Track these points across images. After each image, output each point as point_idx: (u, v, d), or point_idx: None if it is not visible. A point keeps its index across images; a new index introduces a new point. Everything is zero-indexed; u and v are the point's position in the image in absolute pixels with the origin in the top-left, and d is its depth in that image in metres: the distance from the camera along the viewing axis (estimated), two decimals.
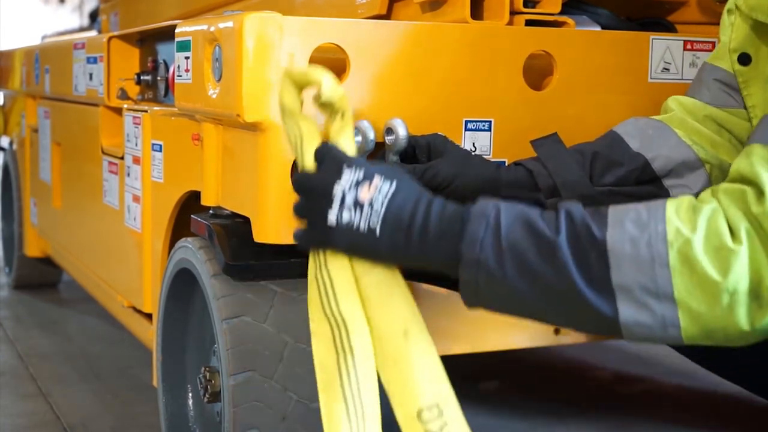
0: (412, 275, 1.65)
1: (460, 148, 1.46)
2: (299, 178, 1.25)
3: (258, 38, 1.37)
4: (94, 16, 5.57)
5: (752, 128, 1.36)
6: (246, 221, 1.47)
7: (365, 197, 1.18)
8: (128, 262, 2.11)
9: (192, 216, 1.61)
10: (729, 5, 1.47)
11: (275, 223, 1.43)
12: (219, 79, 1.46)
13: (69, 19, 12.78)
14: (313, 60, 1.41)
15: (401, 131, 1.39)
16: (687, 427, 2.15)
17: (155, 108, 1.96)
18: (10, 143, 3.55)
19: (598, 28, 1.70)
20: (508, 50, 1.54)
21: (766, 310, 1.08)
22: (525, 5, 1.58)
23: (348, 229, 1.19)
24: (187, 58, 1.58)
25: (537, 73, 1.59)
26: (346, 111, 1.23)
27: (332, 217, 1.19)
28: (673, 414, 2.23)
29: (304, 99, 1.25)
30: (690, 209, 1.12)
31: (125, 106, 2.13)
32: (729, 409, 2.28)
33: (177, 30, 1.63)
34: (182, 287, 1.71)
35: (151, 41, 2.17)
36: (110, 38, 2.23)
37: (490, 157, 1.54)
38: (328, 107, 1.23)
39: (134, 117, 2.03)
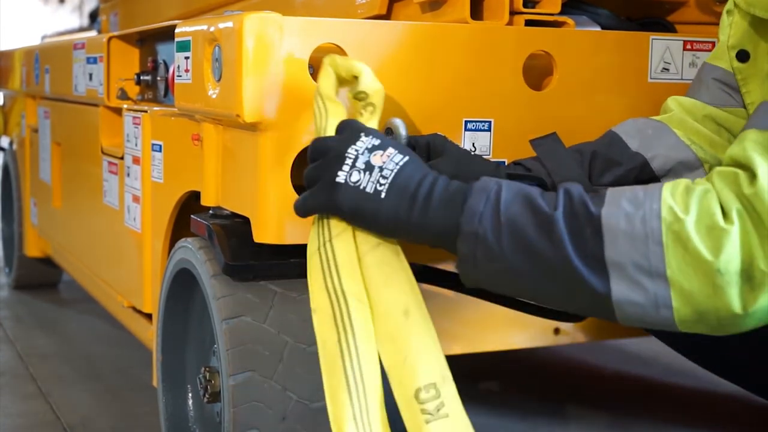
0: (417, 276, 1.65)
1: (460, 148, 1.46)
2: (316, 142, 1.28)
3: (258, 38, 1.37)
4: (93, 16, 5.57)
5: None
6: (246, 221, 1.47)
7: (377, 162, 1.22)
8: (128, 262, 2.11)
9: (192, 216, 1.62)
10: (728, 6, 1.47)
11: (275, 223, 1.43)
12: (219, 79, 1.46)
13: (69, 19, 12.79)
14: (313, 60, 1.41)
15: (401, 131, 1.39)
16: (687, 427, 2.15)
17: (155, 108, 1.96)
18: (10, 143, 3.55)
19: (598, 28, 1.70)
20: (508, 50, 1.54)
21: (759, 292, 1.09)
22: (525, 5, 1.58)
23: (354, 189, 1.22)
24: (186, 58, 1.58)
25: (537, 73, 1.59)
26: (377, 107, 1.29)
27: (342, 174, 1.22)
28: (673, 414, 2.24)
29: (340, 91, 1.31)
30: (685, 191, 1.13)
31: (125, 106, 2.13)
32: (729, 409, 2.28)
33: (177, 30, 1.63)
34: (182, 287, 1.71)
35: (151, 41, 2.17)
36: (110, 38, 2.23)
37: (490, 157, 1.54)
38: (362, 99, 1.28)
39: (134, 117, 2.03)
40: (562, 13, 1.61)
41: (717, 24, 1.55)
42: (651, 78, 1.65)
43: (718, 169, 1.16)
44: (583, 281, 1.13)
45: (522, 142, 1.51)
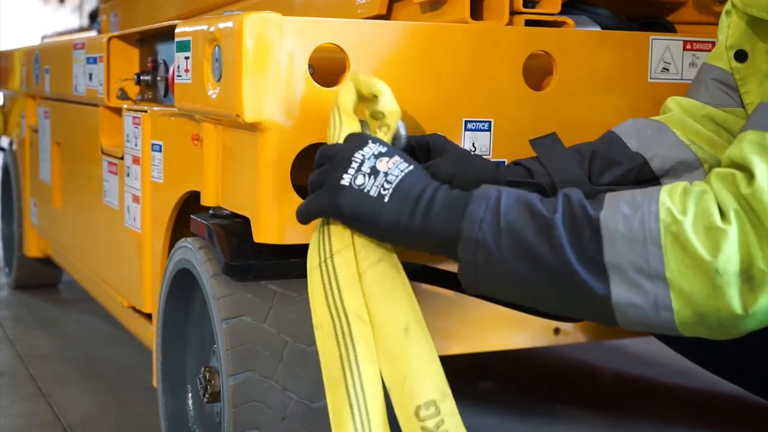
0: (412, 275, 1.65)
1: (460, 148, 1.46)
2: (323, 148, 1.30)
3: (258, 38, 1.37)
4: (93, 16, 5.57)
5: None
6: (246, 221, 1.47)
7: (383, 168, 1.23)
8: (128, 263, 2.11)
9: (192, 216, 1.62)
10: (727, 7, 1.47)
11: (275, 223, 1.43)
12: (219, 79, 1.46)
13: (69, 19, 12.78)
14: (313, 60, 1.41)
15: (401, 131, 1.39)
16: (687, 427, 2.15)
17: (155, 108, 1.96)
18: (10, 143, 3.55)
19: (598, 28, 1.70)
20: (508, 50, 1.54)
21: (759, 292, 1.08)
22: (525, 5, 1.58)
23: (358, 192, 1.22)
24: (186, 58, 1.58)
25: (537, 73, 1.59)
26: (392, 128, 1.31)
27: (347, 177, 1.23)
28: (673, 414, 2.24)
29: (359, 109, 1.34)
30: (683, 192, 1.13)
31: (125, 106, 2.13)
32: (729, 409, 2.28)
33: (177, 30, 1.63)
34: (182, 287, 1.71)
35: (150, 41, 2.17)
36: (110, 38, 2.23)
37: (490, 157, 1.54)
38: (378, 118, 1.31)
39: (134, 117, 2.03)
40: (562, 13, 1.61)
41: (717, 24, 1.55)
42: (651, 78, 1.65)
43: (716, 170, 1.16)
44: (583, 284, 1.13)
45: (522, 142, 1.51)
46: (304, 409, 1.49)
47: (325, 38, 1.41)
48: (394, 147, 1.32)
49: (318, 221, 1.31)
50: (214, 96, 1.48)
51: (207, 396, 1.61)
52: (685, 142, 1.48)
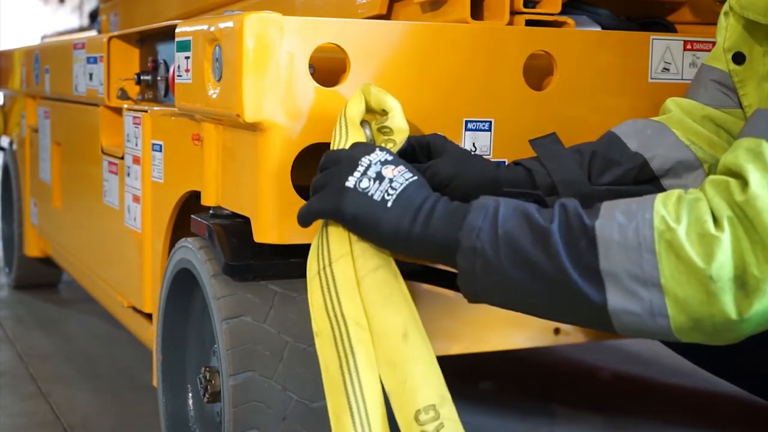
0: (412, 275, 1.65)
1: (460, 148, 1.46)
2: (330, 152, 1.31)
3: (258, 38, 1.37)
4: (94, 16, 5.57)
5: None
6: (246, 221, 1.47)
7: (388, 174, 1.25)
8: (128, 262, 2.11)
9: (192, 216, 1.62)
10: (725, 8, 1.47)
11: (275, 223, 1.43)
12: (219, 79, 1.46)
13: (69, 19, 12.78)
14: (314, 60, 1.41)
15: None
16: (687, 427, 2.15)
17: (155, 108, 1.96)
18: (10, 143, 3.55)
19: (598, 28, 1.70)
20: (509, 50, 1.54)
21: (753, 298, 1.08)
22: (525, 5, 1.58)
23: (362, 195, 1.23)
24: (187, 58, 1.58)
25: (537, 73, 1.59)
26: (398, 145, 1.33)
27: (352, 180, 1.24)
28: (673, 414, 2.24)
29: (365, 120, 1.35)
30: (677, 200, 1.14)
31: (125, 106, 2.13)
32: (729, 409, 2.28)
33: (177, 30, 1.63)
34: (182, 287, 1.71)
35: (151, 41, 2.17)
36: (110, 38, 2.23)
37: (490, 157, 1.54)
38: (386, 134, 1.33)
39: (134, 117, 2.03)
40: (562, 13, 1.61)
41: (716, 24, 1.55)
42: (651, 78, 1.65)
43: (710, 177, 1.16)
44: (580, 292, 1.14)
45: (522, 142, 1.51)
46: (304, 409, 1.49)
47: (325, 38, 1.41)
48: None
49: (318, 227, 1.31)
50: (214, 96, 1.48)
51: (207, 396, 1.61)
52: (684, 142, 1.48)
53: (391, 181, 1.24)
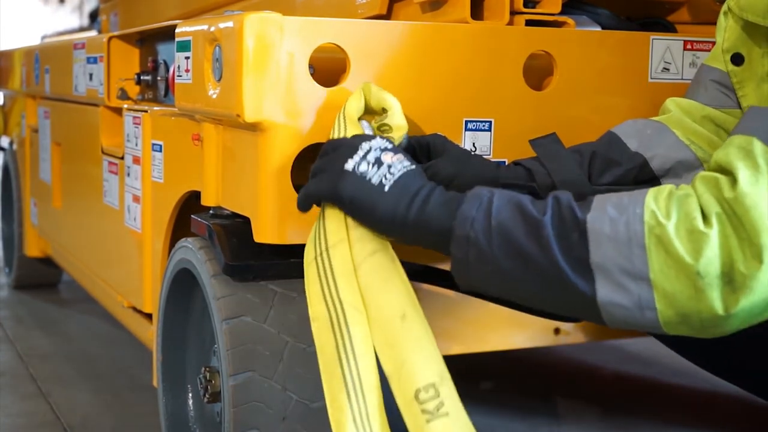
0: (412, 275, 1.65)
1: (460, 148, 1.46)
2: (330, 140, 1.33)
3: (258, 38, 1.37)
4: (94, 16, 5.57)
5: None
6: (246, 221, 1.47)
7: (387, 160, 1.27)
8: (128, 262, 2.11)
9: (192, 216, 1.62)
10: (724, 8, 1.47)
11: (275, 223, 1.43)
12: (219, 79, 1.46)
13: (69, 19, 12.78)
14: (313, 60, 1.41)
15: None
16: (687, 427, 2.15)
17: (155, 108, 1.96)
18: (10, 143, 3.55)
19: (598, 28, 1.70)
20: (509, 50, 1.54)
21: (740, 294, 1.09)
22: (525, 5, 1.58)
23: (360, 178, 1.25)
24: (187, 58, 1.58)
25: (537, 73, 1.59)
26: (396, 141, 1.35)
27: (351, 163, 1.26)
28: (673, 414, 2.24)
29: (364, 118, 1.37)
30: (668, 196, 1.15)
31: (125, 106, 2.13)
32: (729, 409, 2.28)
33: (177, 30, 1.63)
34: (182, 287, 1.71)
35: (151, 41, 2.17)
36: (110, 38, 2.23)
37: (490, 157, 1.54)
38: (385, 131, 1.35)
39: (134, 117, 2.03)
40: (562, 13, 1.61)
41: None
42: (651, 78, 1.65)
43: (701, 174, 1.18)
44: (570, 284, 1.15)
45: (522, 142, 1.51)
46: (304, 409, 1.49)
47: (325, 38, 1.41)
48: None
49: (315, 218, 1.32)
50: (214, 96, 1.48)
51: (207, 396, 1.61)
52: (684, 142, 1.48)
53: (389, 166, 1.26)
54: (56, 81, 2.73)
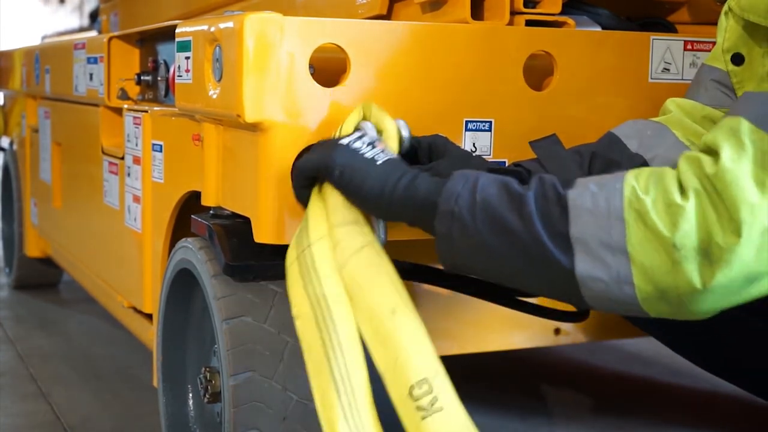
0: (412, 275, 1.65)
1: (461, 150, 1.46)
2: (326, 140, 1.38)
3: (258, 38, 1.37)
4: (94, 16, 5.56)
5: None
6: (246, 221, 1.47)
7: (380, 146, 1.31)
8: (128, 263, 2.11)
9: (192, 216, 1.62)
10: (725, 8, 1.47)
11: (275, 223, 1.43)
12: (219, 80, 1.46)
13: (69, 19, 12.77)
14: (314, 60, 1.41)
15: (404, 132, 1.39)
16: (687, 427, 2.15)
17: (155, 108, 1.96)
18: (10, 143, 3.55)
19: (599, 29, 1.70)
20: (509, 50, 1.54)
21: (716, 268, 1.10)
22: (525, 5, 1.58)
23: (353, 150, 1.29)
24: (187, 58, 1.58)
25: (537, 73, 1.59)
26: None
27: (345, 139, 1.31)
28: (673, 414, 2.24)
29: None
30: (649, 174, 1.17)
31: (125, 106, 2.13)
32: (729, 409, 2.28)
33: (177, 30, 1.63)
34: (182, 287, 1.71)
35: (151, 41, 2.17)
36: (110, 38, 2.23)
37: (490, 158, 1.54)
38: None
39: (134, 117, 2.03)
40: (562, 13, 1.61)
41: (717, 24, 1.55)
42: (651, 78, 1.65)
43: (685, 153, 1.20)
44: (551, 257, 1.17)
45: (522, 142, 1.51)
46: (304, 409, 1.49)
47: (325, 38, 1.41)
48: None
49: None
50: (214, 96, 1.48)
51: (207, 396, 1.61)
52: (684, 142, 1.48)
53: (382, 150, 1.30)
54: (56, 81, 2.73)
